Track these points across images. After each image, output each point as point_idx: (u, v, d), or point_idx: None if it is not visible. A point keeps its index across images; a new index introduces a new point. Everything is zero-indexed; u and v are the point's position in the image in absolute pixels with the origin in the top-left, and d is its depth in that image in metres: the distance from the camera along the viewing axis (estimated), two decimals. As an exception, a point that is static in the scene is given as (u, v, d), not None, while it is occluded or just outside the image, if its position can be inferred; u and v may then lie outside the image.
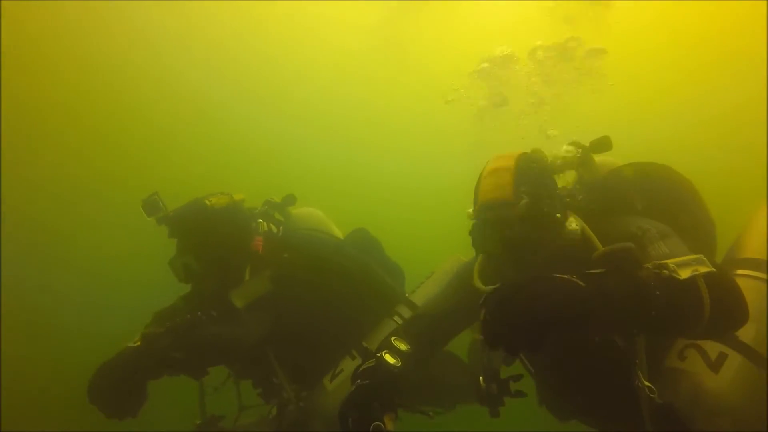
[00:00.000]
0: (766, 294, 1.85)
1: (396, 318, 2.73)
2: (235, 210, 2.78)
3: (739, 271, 1.98)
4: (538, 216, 1.76)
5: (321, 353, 2.75)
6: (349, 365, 2.61)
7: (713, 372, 1.66)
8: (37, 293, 7.91)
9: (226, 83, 10.10)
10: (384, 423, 1.58)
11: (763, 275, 1.96)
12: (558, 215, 1.83)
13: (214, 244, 2.61)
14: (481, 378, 1.97)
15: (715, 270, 1.40)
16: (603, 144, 2.10)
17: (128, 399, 2.33)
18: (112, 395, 2.28)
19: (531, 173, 1.84)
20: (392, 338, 1.99)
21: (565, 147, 2.14)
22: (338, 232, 3.24)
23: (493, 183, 1.83)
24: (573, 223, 1.83)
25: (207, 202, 2.66)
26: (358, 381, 1.79)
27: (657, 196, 2.05)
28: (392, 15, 8.57)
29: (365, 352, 2.57)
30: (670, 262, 1.34)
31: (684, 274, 1.31)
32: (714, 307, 1.38)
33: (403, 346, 1.95)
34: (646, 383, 1.59)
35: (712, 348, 1.72)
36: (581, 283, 1.17)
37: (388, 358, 1.87)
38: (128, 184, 8.06)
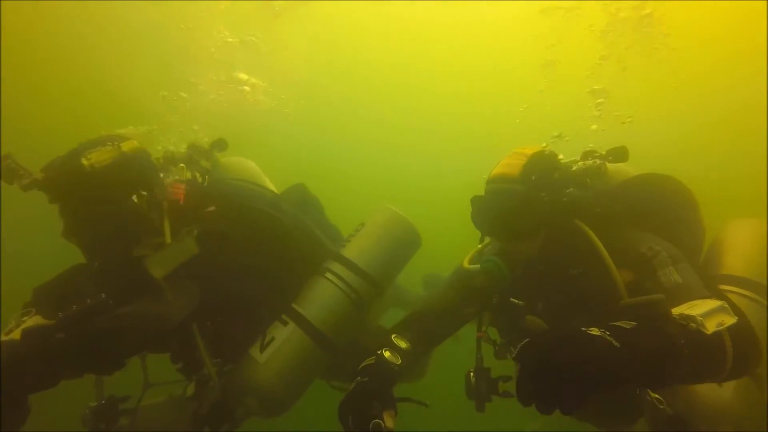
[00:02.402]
0: (760, 313, 1.97)
1: (328, 275, 2.54)
2: (126, 163, 2.21)
3: (729, 288, 2.09)
4: (537, 199, 1.84)
5: (249, 321, 2.45)
6: (280, 332, 2.39)
7: (718, 384, 1.69)
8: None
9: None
10: (383, 421, 1.57)
11: (752, 295, 2.11)
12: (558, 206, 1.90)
13: (98, 201, 2.10)
14: (471, 374, 2.15)
15: (738, 320, 1.41)
16: (620, 154, 2.12)
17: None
18: None
19: (542, 165, 1.95)
20: (393, 335, 1.99)
21: (583, 156, 2.18)
22: (273, 187, 2.88)
23: (506, 163, 1.96)
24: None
25: (84, 160, 2.08)
26: (358, 378, 1.77)
27: (665, 212, 2.08)
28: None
29: (297, 316, 2.43)
30: (697, 315, 1.33)
31: (710, 327, 1.32)
32: (736, 359, 1.42)
33: (403, 344, 1.96)
34: (654, 395, 1.65)
35: None
36: (616, 344, 1.15)
37: (389, 355, 1.88)
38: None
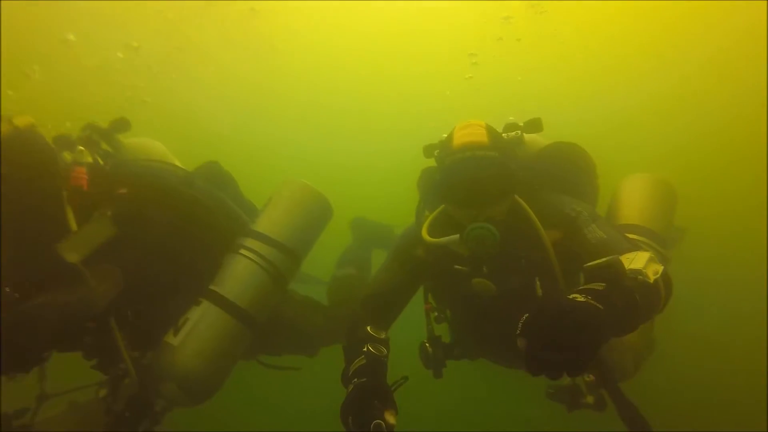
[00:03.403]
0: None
1: (243, 251, 2.49)
2: (22, 140, 2.02)
3: (630, 235, 2.28)
4: (507, 168, 1.92)
5: (167, 306, 2.33)
6: (194, 313, 2.29)
7: None
8: None
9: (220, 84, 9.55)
10: (384, 420, 1.57)
11: (647, 240, 2.52)
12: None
13: None
14: (427, 344, 2.34)
15: (663, 267, 1.62)
16: (535, 125, 2.27)
17: None
18: None
19: (498, 135, 2.05)
20: (368, 328, 2.01)
21: (504, 128, 2.29)
22: (182, 166, 2.72)
23: (471, 132, 1.98)
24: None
25: None
26: (355, 380, 1.77)
27: (576, 176, 2.34)
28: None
29: (210, 293, 2.35)
30: (641, 268, 1.53)
31: (651, 277, 1.53)
32: (664, 300, 1.65)
33: (382, 335, 2.00)
34: None
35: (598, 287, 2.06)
36: (600, 306, 1.30)
37: (375, 350, 1.90)
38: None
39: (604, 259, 1.51)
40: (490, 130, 2.01)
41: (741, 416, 4.74)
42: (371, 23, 8.56)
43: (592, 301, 1.32)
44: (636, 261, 1.59)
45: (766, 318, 5.55)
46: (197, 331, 2.27)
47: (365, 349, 1.89)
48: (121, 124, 2.51)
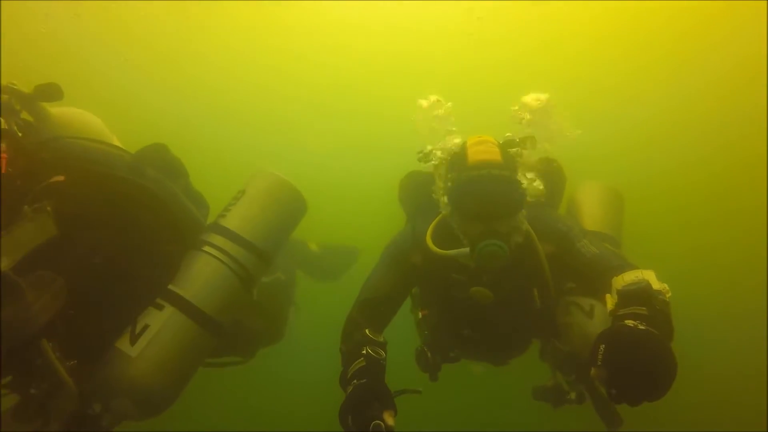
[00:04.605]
0: None
1: (208, 249, 2.22)
2: None
3: None
4: (518, 187, 1.99)
5: (115, 310, 2.00)
6: (155, 318, 2.00)
7: (589, 319, 2.17)
8: None
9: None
10: (384, 420, 1.57)
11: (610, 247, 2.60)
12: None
13: None
14: (425, 349, 2.43)
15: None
16: (530, 142, 2.27)
17: None
18: None
19: (509, 154, 2.10)
20: (366, 330, 1.99)
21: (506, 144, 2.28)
22: (121, 146, 2.35)
23: (485, 150, 2.03)
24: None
25: None
26: (354, 381, 1.78)
27: (557, 192, 2.52)
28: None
29: (175, 298, 2.09)
30: (664, 289, 1.65)
31: (667, 295, 1.65)
32: None
33: (380, 338, 2.00)
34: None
35: (585, 301, 2.23)
36: (656, 332, 1.41)
37: (374, 352, 1.90)
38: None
39: (640, 283, 1.63)
40: (502, 148, 2.07)
41: (741, 416, 4.92)
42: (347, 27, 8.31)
43: (649, 328, 1.43)
44: (653, 280, 1.71)
45: (766, 318, 5.65)
46: (160, 340, 1.97)
47: (364, 351, 1.90)
48: (51, 92, 2.07)
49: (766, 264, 6.16)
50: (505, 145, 2.16)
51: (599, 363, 1.35)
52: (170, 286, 2.09)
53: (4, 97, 1.93)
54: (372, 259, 2.45)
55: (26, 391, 1.87)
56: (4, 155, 1.74)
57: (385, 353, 1.97)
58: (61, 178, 1.84)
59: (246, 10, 7.83)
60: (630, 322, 1.46)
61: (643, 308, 1.53)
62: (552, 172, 2.46)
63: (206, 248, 2.22)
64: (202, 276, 2.16)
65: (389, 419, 1.60)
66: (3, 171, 1.72)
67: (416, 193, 2.52)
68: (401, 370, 2.18)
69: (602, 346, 1.38)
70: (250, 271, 2.28)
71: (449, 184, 2.09)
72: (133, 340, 1.95)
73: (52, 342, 1.81)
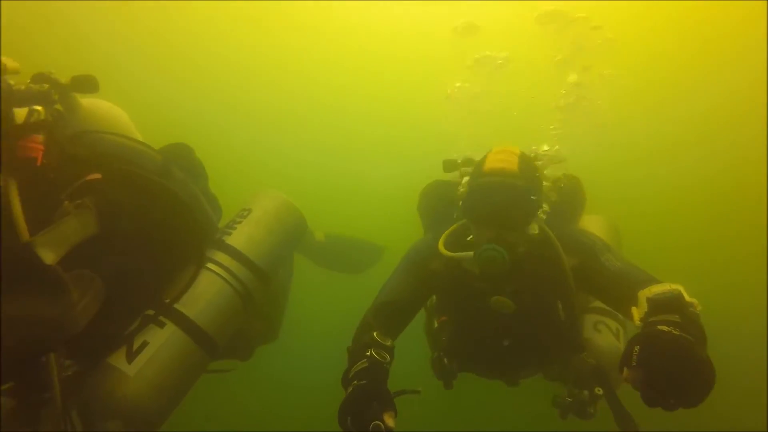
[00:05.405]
0: None
1: (212, 266, 2.19)
2: None
3: None
4: (530, 198, 1.99)
5: (124, 314, 1.95)
6: (155, 336, 1.93)
7: (617, 340, 2.35)
8: None
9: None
10: (383, 422, 1.58)
11: None
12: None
13: None
14: (443, 356, 2.38)
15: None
16: (559, 157, 2.38)
17: None
18: None
19: (530, 165, 2.10)
20: (374, 333, 2.00)
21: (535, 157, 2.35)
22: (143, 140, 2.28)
23: (503, 158, 2.06)
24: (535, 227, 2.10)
25: None
26: (355, 382, 1.78)
27: (578, 209, 2.56)
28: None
29: (176, 315, 2.04)
30: (695, 302, 1.60)
31: (698, 308, 1.61)
32: None
33: (388, 342, 2.00)
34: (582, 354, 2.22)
35: (612, 323, 2.40)
36: (691, 339, 1.37)
37: (378, 355, 1.91)
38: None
39: (667, 292, 1.60)
40: (523, 159, 2.09)
41: (741, 416, 4.91)
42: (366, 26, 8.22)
43: (685, 334, 1.40)
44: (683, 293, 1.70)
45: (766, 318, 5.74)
46: (158, 360, 1.91)
47: (368, 353, 1.91)
48: (88, 84, 1.99)
49: (767, 264, 6.32)
50: (528, 157, 2.18)
51: (634, 363, 1.33)
52: (168, 300, 2.03)
53: (45, 86, 1.86)
54: (389, 263, 2.48)
55: (25, 398, 1.73)
56: (41, 147, 1.69)
57: (391, 357, 1.99)
58: (98, 175, 1.80)
59: (263, 9, 7.84)
60: (664, 328, 1.43)
61: (676, 316, 1.50)
62: (573, 189, 2.49)
63: (211, 266, 2.18)
64: (206, 295, 2.13)
65: (389, 420, 1.61)
66: (38, 163, 1.67)
67: (437, 201, 2.56)
68: (416, 379, 2.16)
69: (636, 348, 1.36)
70: (252, 293, 2.28)
71: (464, 189, 2.15)
72: (131, 358, 1.88)
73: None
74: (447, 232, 2.26)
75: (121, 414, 1.81)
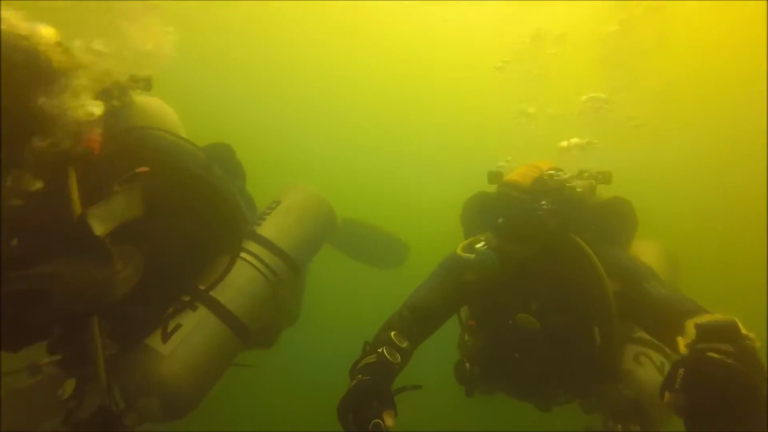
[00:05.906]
0: None
1: (249, 258, 2.28)
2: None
3: None
4: (538, 210, 2.04)
5: (163, 299, 2.05)
6: (189, 319, 2.03)
7: (660, 375, 2.19)
8: None
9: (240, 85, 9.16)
10: (383, 420, 1.57)
11: None
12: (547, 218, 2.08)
13: None
14: (466, 362, 2.38)
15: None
16: (607, 177, 2.36)
17: None
18: None
19: (551, 182, 2.13)
20: (392, 333, 2.01)
21: (577, 175, 2.38)
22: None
23: (522, 173, 2.15)
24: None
25: None
26: (359, 376, 1.78)
27: (629, 233, 2.49)
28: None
29: (210, 300, 2.12)
30: (753, 337, 1.50)
31: (757, 344, 1.50)
32: None
33: (404, 344, 2.00)
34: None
35: (656, 356, 2.27)
36: (742, 368, 1.29)
37: (389, 354, 1.91)
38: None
39: (718, 320, 1.51)
40: (542, 177, 2.13)
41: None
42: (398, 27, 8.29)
43: (735, 362, 1.32)
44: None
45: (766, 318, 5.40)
46: (191, 341, 2.01)
47: (380, 350, 1.92)
48: (143, 83, 2.12)
49: (767, 264, 6.02)
50: (550, 174, 2.16)
51: (677, 387, 1.25)
52: (202, 286, 2.12)
53: (107, 83, 1.99)
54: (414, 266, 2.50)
55: (71, 373, 1.92)
56: (99, 139, 1.85)
57: (404, 360, 1.97)
58: (146, 168, 1.90)
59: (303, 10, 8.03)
60: (714, 355, 1.32)
61: (728, 345, 1.39)
62: (622, 213, 2.45)
63: (245, 256, 2.27)
64: (237, 281, 2.20)
65: (389, 419, 1.61)
66: (95, 152, 1.83)
67: (479, 212, 2.53)
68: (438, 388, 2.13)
69: (681, 371, 1.27)
70: (283, 281, 2.34)
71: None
72: (165, 338, 1.97)
73: (103, 322, 1.86)
74: (471, 239, 2.32)
75: (156, 391, 1.92)
